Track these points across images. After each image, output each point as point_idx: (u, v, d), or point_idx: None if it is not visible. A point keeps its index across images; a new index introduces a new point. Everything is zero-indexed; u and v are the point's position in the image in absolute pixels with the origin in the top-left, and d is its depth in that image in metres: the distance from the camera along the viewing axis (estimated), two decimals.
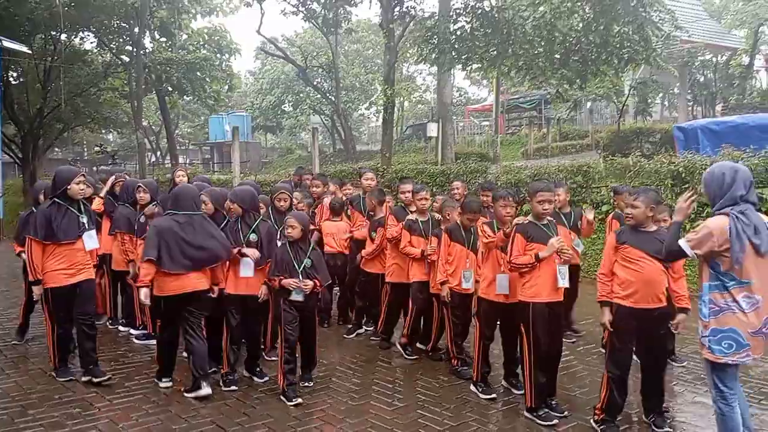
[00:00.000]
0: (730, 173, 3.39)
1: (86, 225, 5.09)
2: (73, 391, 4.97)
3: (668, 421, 4.27)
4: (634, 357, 4.26)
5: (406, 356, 5.82)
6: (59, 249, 4.92)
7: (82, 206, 5.13)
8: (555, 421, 4.30)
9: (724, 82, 23.75)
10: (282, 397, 4.74)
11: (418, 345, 5.98)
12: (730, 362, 3.35)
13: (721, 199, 3.38)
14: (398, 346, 5.95)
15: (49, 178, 5.42)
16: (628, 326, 4.06)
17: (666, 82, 22.57)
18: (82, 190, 5.10)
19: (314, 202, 7.12)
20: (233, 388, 5.00)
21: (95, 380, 5.01)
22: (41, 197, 5.71)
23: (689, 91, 24.29)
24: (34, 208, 5.62)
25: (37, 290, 4.96)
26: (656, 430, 4.19)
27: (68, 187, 4.92)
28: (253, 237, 5.09)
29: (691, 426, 4.37)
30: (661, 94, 26.62)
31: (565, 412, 4.48)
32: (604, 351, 4.94)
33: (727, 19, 27.81)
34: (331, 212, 6.84)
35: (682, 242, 3.40)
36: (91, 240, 5.17)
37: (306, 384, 5.00)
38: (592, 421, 4.25)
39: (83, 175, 5.11)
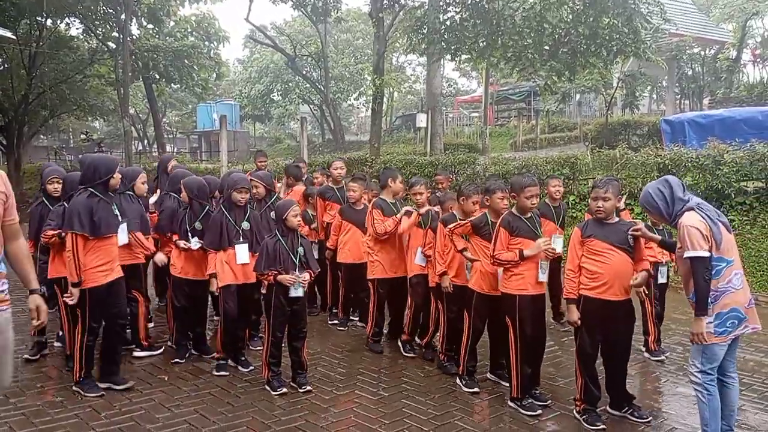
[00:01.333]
0: (663, 186, 3.66)
1: (119, 218, 4.81)
2: (54, 379, 4.94)
3: (645, 410, 4.31)
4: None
5: (405, 353, 5.64)
6: (98, 244, 4.50)
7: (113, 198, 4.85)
8: (539, 411, 4.34)
9: (712, 76, 23.86)
10: (266, 387, 4.73)
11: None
12: (733, 337, 3.51)
13: (673, 207, 3.60)
14: (399, 344, 5.76)
15: (33, 166, 5.34)
16: (595, 319, 4.10)
17: (654, 75, 22.61)
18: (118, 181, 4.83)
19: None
20: (223, 373, 5.01)
21: (116, 388, 4.67)
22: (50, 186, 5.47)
23: (677, 84, 24.39)
24: (45, 199, 5.44)
25: (76, 292, 4.44)
26: (636, 420, 4.22)
27: (112, 176, 4.56)
28: (245, 225, 5.05)
29: (673, 416, 4.41)
30: (649, 87, 26.68)
31: (549, 401, 4.52)
32: None
33: (715, 13, 27.89)
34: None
35: (689, 254, 3.44)
36: (123, 234, 4.96)
37: (303, 389, 4.73)
38: (574, 411, 4.29)
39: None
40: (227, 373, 5.04)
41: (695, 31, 22.24)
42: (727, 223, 3.57)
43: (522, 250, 4.29)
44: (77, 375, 4.61)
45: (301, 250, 4.72)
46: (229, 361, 5.23)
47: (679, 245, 3.58)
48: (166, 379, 4.97)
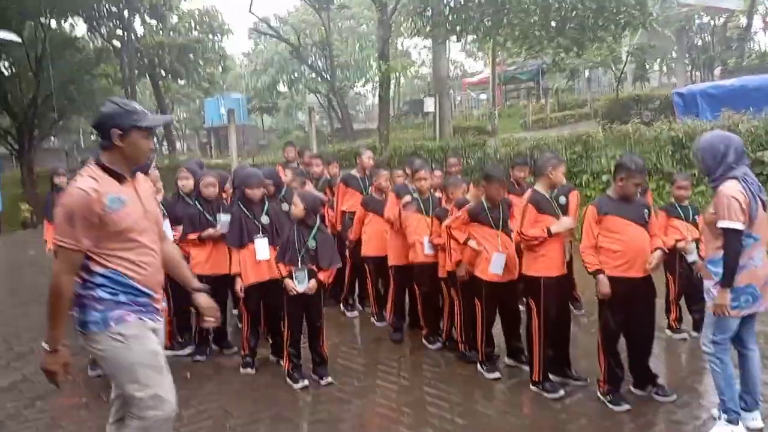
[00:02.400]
0: (722, 143, 3.49)
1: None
2: (79, 384, 4.98)
3: (669, 389, 4.28)
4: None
5: (431, 346, 5.46)
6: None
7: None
8: (561, 393, 4.32)
9: (722, 45, 23.52)
10: (288, 380, 4.74)
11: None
12: (746, 314, 3.50)
13: (719, 168, 3.47)
14: (425, 342, 5.54)
15: (44, 169, 5.32)
16: (618, 298, 4.06)
17: (663, 47, 22.33)
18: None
19: (317, 182, 7.07)
20: (249, 371, 5.02)
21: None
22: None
23: (687, 55, 24.06)
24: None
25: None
26: (662, 399, 4.19)
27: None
28: (265, 220, 5.00)
29: (698, 394, 4.37)
30: (659, 60, 26.35)
31: (588, 379, 4.49)
32: None
33: None
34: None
35: (729, 225, 3.37)
36: (168, 232, 4.97)
37: (324, 381, 4.73)
38: (598, 393, 4.26)
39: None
40: (252, 371, 5.03)
41: (704, 1, 21.86)
42: (766, 200, 3.50)
43: (549, 227, 4.26)
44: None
45: (312, 243, 4.62)
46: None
47: (712, 210, 3.50)
48: (188, 376, 4.99)
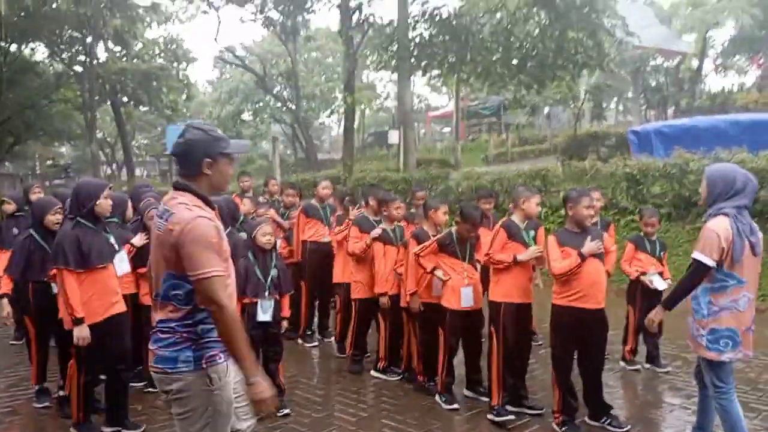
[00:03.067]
0: (743, 179, 3.38)
1: (116, 246, 4.36)
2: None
3: (623, 420, 4.34)
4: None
5: (388, 378, 5.45)
6: (90, 278, 4.05)
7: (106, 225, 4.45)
8: (511, 417, 4.36)
9: (675, 86, 24.51)
10: None
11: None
12: (726, 359, 3.39)
13: (724, 202, 3.36)
14: (376, 373, 5.51)
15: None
16: (571, 329, 4.14)
17: (620, 86, 23.17)
18: (111, 205, 4.37)
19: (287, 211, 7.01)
20: None
21: None
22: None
23: (642, 95, 24.98)
24: (33, 232, 4.66)
25: (81, 332, 3.96)
26: (615, 429, 4.23)
27: (96, 203, 4.10)
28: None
29: (653, 425, 4.43)
30: (615, 99, 27.29)
31: (543, 409, 4.52)
32: None
33: (676, 24, 28.70)
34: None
35: (699, 257, 3.34)
36: (122, 263, 4.50)
37: (281, 412, 4.56)
38: (553, 424, 4.28)
39: (110, 188, 4.39)
40: None
41: (658, 43, 22.85)
42: (757, 243, 3.38)
43: (516, 255, 4.33)
44: (75, 417, 4.24)
45: (274, 272, 4.67)
46: None
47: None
48: (139, 409, 4.82)
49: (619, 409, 4.55)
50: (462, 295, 4.65)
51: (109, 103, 24.82)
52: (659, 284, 5.42)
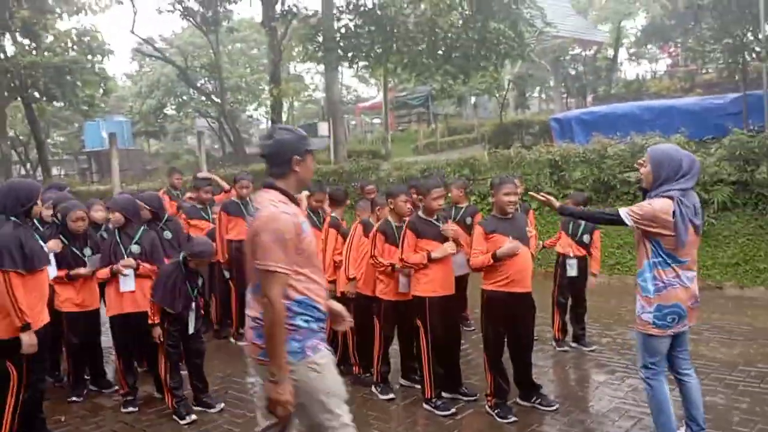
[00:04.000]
0: (688, 162, 3.34)
1: (45, 249, 4.17)
2: None
3: (552, 398, 4.50)
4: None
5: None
6: (32, 281, 3.83)
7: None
8: (452, 410, 4.41)
9: (593, 75, 25.46)
10: (174, 417, 4.49)
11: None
12: (672, 333, 3.40)
13: (670, 184, 3.32)
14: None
15: None
16: (500, 313, 4.24)
17: (541, 76, 23.86)
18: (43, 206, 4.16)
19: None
20: (132, 409, 4.72)
21: None
22: None
23: (562, 83, 25.81)
24: None
25: (31, 338, 3.73)
26: (545, 408, 4.38)
27: (34, 203, 3.93)
28: (135, 249, 4.76)
29: (581, 402, 4.60)
30: (537, 88, 28.10)
31: (477, 396, 4.61)
32: None
33: (592, 15, 29.78)
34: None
35: (622, 211, 3.37)
36: (52, 268, 4.36)
37: (215, 409, 4.65)
38: (486, 407, 4.38)
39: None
40: (135, 409, 4.73)
41: (575, 33, 23.65)
42: (699, 225, 3.37)
43: (430, 252, 4.34)
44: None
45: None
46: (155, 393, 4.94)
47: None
48: (63, 419, 4.60)
49: (548, 389, 4.71)
50: (400, 282, 4.66)
51: (19, 99, 23.37)
52: (572, 270, 5.72)
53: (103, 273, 4.68)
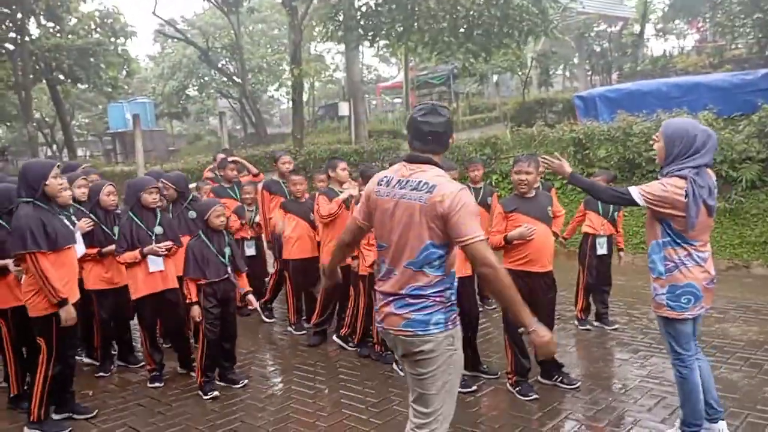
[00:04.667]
0: (703, 137, 3.19)
1: (71, 227, 4.24)
2: None
3: (574, 377, 4.48)
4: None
5: (347, 347, 5.49)
6: (59, 259, 3.92)
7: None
8: (474, 388, 4.42)
9: (619, 51, 24.92)
10: (199, 392, 4.58)
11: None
12: (689, 317, 3.28)
13: (683, 160, 3.19)
14: (340, 341, 5.55)
15: None
16: (520, 291, 4.18)
17: (565, 53, 23.45)
18: (62, 185, 4.12)
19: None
20: (157, 384, 4.82)
21: (79, 417, 4.24)
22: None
23: (587, 61, 25.33)
24: None
25: (69, 312, 3.88)
26: (566, 387, 4.37)
27: (45, 183, 3.91)
28: (158, 230, 4.81)
29: (603, 381, 4.59)
30: (561, 65, 27.65)
31: (498, 374, 4.62)
32: None
33: None
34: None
35: (633, 190, 3.26)
36: (79, 246, 4.39)
37: (239, 384, 4.72)
38: (507, 385, 4.39)
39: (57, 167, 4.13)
40: (161, 384, 4.83)
41: (600, 9, 23.17)
42: (713, 206, 3.23)
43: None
44: (35, 415, 3.99)
45: (228, 250, 4.64)
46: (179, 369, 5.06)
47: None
48: (90, 394, 4.72)
49: (570, 367, 4.69)
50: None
51: (44, 81, 23.70)
52: (602, 249, 5.67)
53: (131, 256, 4.68)
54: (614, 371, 4.78)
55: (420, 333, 2.58)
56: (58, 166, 4.13)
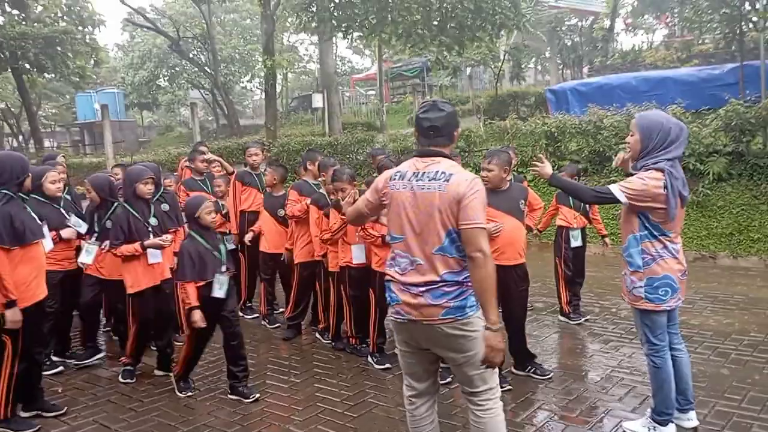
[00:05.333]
0: (677, 130, 3.25)
1: (38, 221, 4.05)
2: None
3: (547, 368, 4.55)
4: None
5: (324, 340, 5.51)
6: (26, 255, 3.80)
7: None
8: (448, 379, 4.41)
9: (589, 45, 25.19)
10: (177, 391, 4.49)
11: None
12: (667, 308, 3.34)
13: (658, 152, 3.24)
14: (319, 336, 5.59)
15: None
16: None
17: (537, 47, 23.60)
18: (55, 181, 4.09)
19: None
20: (129, 380, 4.75)
21: (47, 415, 4.13)
22: None
23: (558, 54, 25.56)
24: None
25: (13, 315, 3.71)
26: (539, 377, 4.44)
27: (27, 175, 3.92)
28: (153, 221, 4.67)
29: (576, 372, 4.66)
30: (533, 59, 27.83)
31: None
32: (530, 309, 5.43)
33: None
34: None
35: (614, 188, 3.28)
36: (48, 240, 4.20)
37: (251, 398, 4.34)
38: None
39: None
40: (133, 380, 4.76)
41: (572, 3, 23.37)
42: (686, 197, 3.30)
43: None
44: (2, 413, 3.88)
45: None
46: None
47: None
48: (60, 391, 4.63)
49: (542, 357, 4.76)
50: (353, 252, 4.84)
51: (9, 70, 23.04)
52: (576, 241, 5.76)
53: (130, 249, 4.52)
54: (586, 362, 4.86)
55: (460, 317, 2.70)
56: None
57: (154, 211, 4.74)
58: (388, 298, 2.87)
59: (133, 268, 4.60)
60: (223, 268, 4.31)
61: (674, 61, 19.09)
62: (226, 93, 26.56)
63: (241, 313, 6.38)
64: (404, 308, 2.78)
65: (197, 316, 4.16)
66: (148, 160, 14.64)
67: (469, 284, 2.71)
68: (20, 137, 32.27)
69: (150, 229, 4.62)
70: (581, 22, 25.71)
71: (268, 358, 5.20)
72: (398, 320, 2.85)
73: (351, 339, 5.24)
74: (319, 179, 5.55)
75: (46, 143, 30.61)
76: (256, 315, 6.49)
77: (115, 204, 4.96)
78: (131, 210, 4.61)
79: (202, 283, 4.23)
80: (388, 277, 2.88)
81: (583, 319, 5.81)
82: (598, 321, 5.81)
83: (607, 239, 6.25)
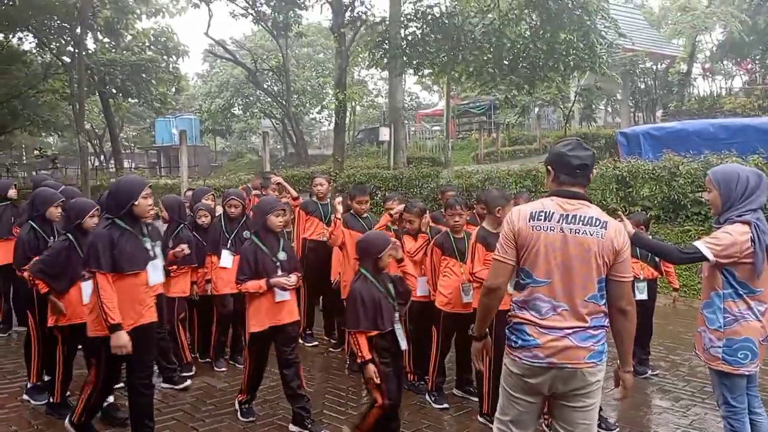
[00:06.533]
0: (755, 179, 3.18)
1: (150, 252, 3.97)
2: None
3: (612, 421, 4.36)
4: None
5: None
6: (121, 283, 3.74)
7: (145, 228, 4.01)
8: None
9: (664, 89, 24.66)
10: (240, 416, 4.55)
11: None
12: (746, 372, 3.19)
13: (741, 204, 3.15)
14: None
15: None
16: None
17: (609, 88, 23.25)
18: (151, 206, 3.95)
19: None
20: (251, 418, 4.58)
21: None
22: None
23: (631, 97, 25.10)
24: (32, 222, 4.65)
25: (118, 340, 3.63)
26: (604, 431, 4.27)
27: (135, 203, 3.78)
28: (282, 256, 4.36)
29: (646, 427, 4.46)
30: (605, 101, 27.43)
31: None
32: None
33: (666, 29, 28.84)
34: None
35: (701, 245, 3.15)
36: (156, 272, 4.07)
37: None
38: (543, 425, 4.28)
39: (149, 187, 3.97)
40: (253, 418, 4.56)
41: (648, 46, 22.97)
42: None
43: None
44: (77, 419, 3.95)
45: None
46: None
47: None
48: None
49: (608, 411, 4.58)
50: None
51: (97, 94, 24.56)
52: (641, 294, 5.40)
53: (255, 285, 4.24)
54: (654, 419, 4.65)
55: (598, 363, 2.67)
56: (150, 186, 4.03)
57: (283, 245, 4.42)
58: (520, 341, 2.69)
59: (256, 307, 4.30)
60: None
61: (755, 109, 18.42)
62: (296, 123, 27.34)
63: (300, 341, 6.51)
64: (544, 351, 2.63)
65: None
66: (219, 184, 15.18)
67: (606, 330, 2.71)
68: (101, 157, 34.11)
69: (278, 264, 4.33)
70: (656, 66, 25.21)
71: (326, 388, 5.23)
72: (534, 364, 2.66)
73: (409, 375, 5.21)
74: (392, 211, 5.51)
75: (125, 164, 32.21)
76: (315, 343, 6.55)
77: (180, 225, 5.25)
78: (260, 243, 4.32)
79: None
80: (519, 320, 2.73)
81: (650, 372, 5.56)
82: (668, 377, 5.55)
83: (676, 293, 5.98)
